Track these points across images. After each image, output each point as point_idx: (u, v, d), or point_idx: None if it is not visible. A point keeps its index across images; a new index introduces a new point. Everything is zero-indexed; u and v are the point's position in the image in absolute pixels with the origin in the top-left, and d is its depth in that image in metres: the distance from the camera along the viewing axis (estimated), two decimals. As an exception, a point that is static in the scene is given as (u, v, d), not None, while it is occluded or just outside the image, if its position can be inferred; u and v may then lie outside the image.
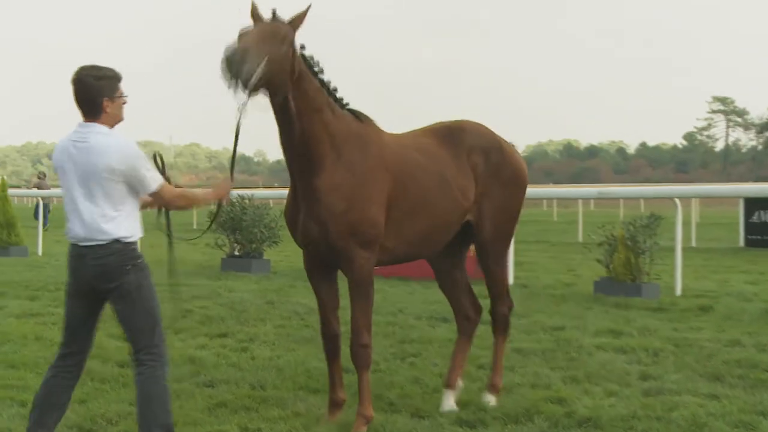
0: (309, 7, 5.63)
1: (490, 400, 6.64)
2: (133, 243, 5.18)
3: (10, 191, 21.67)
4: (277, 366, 7.86)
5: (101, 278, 5.10)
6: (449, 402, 6.54)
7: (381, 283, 13.83)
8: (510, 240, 7.08)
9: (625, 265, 12.55)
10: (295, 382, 7.26)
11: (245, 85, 5.23)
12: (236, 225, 16.24)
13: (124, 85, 5.20)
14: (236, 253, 16.41)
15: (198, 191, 5.67)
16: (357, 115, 6.11)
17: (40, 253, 20.12)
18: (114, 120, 5.16)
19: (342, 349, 6.18)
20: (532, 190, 10.43)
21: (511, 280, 13.59)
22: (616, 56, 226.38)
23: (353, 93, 6.17)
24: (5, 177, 24.21)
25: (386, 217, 5.96)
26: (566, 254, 20.47)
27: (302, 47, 5.71)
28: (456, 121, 6.89)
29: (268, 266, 16.30)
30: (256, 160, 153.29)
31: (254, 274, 15.50)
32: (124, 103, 5.21)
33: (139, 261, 5.18)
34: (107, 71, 5.15)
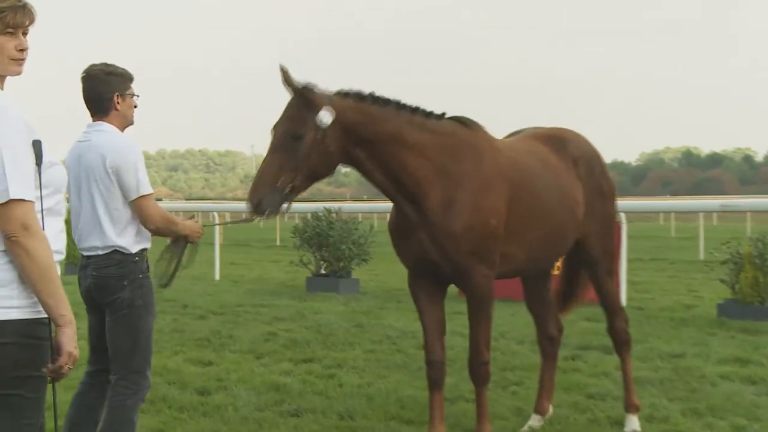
0: (284, 70, 5.50)
1: (633, 422, 6.80)
2: (134, 255, 5.21)
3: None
4: (367, 394, 7.89)
5: (98, 291, 5.19)
6: (534, 421, 6.87)
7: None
8: (613, 254, 7.25)
9: (753, 285, 12.26)
10: (386, 411, 7.27)
11: (273, 215, 5.52)
12: (322, 241, 16.23)
13: (136, 87, 5.30)
14: (322, 271, 16.45)
15: (179, 220, 5.64)
16: (463, 122, 6.11)
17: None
18: (124, 121, 5.26)
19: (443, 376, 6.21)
20: (647, 203, 10.29)
21: (624, 301, 13.40)
22: (741, 51, 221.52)
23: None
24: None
25: (506, 225, 6.01)
26: (686, 273, 20.09)
27: (344, 94, 5.70)
28: (553, 128, 6.97)
29: (356, 286, 16.35)
30: (343, 171, 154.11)
31: (342, 295, 15.54)
32: (135, 106, 5.31)
33: (139, 277, 5.21)
34: (119, 68, 5.26)
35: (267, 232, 41.13)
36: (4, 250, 3.24)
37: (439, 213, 5.83)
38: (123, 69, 5.30)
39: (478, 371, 6.10)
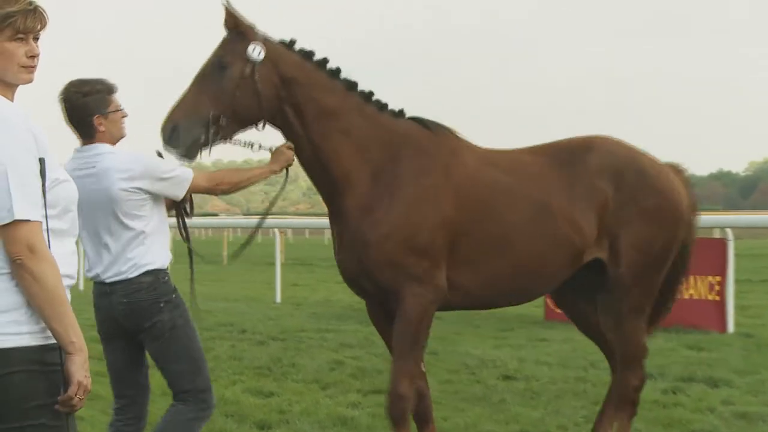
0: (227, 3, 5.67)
1: None
2: (164, 273, 5.30)
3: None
4: (443, 429, 7.86)
5: (131, 318, 5.24)
6: None
7: (570, 331, 13.61)
8: (653, 290, 6.55)
9: None
10: (464, 449, 7.24)
11: (190, 156, 5.55)
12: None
13: (119, 97, 5.35)
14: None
15: (251, 167, 5.81)
16: (424, 124, 6.03)
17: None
18: (113, 138, 5.33)
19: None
20: (757, 217, 10.11)
21: (731, 327, 13.22)
22: None
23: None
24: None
25: (455, 249, 5.83)
26: (802, 296, 19.71)
27: (289, 44, 5.80)
28: (586, 137, 6.54)
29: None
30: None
31: (414, 319, 15.50)
32: (123, 116, 5.36)
33: (173, 296, 5.30)
34: (96, 84, 5.30)
35: (332, 249, 41.23)
36: (11, 272, 3.29)
37: (355, 217, 5.77)
38: (102, 83, 5.33)
39: (393, 405, 5.83)
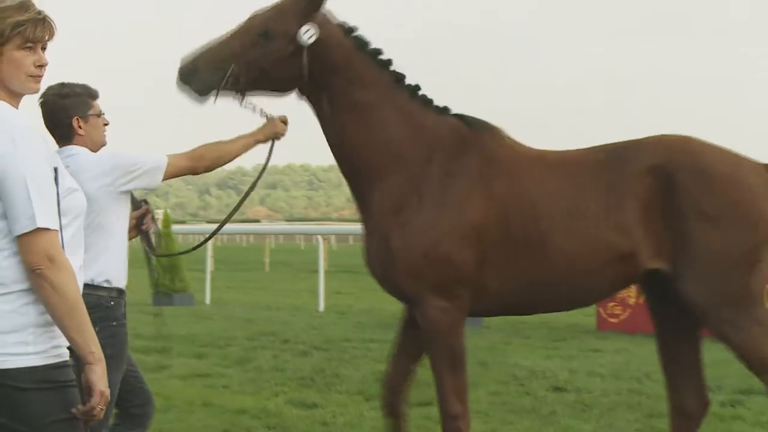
0: None
1: None
2: (109, 299, 5.20)
3: (175, 227, 22.55)
4: (492, 443, 7.86)
5: None
6: None
7: (624, 341, 13.61)
8: (749, 299, 5.80)
9: None
10: (514, 463, 7.23)
11: (199, 99, 5.54)
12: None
13: (100, 104, 5.36)
14: (440, 302, 16.41)
15: (234, 138, 5.75)
16: (467, 122, 5.92)
17: (207, 301, 20.87)
18: (93, 143, 5.33)
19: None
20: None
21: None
22: None
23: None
24: (168, 210, 25.31)
25: (487, 254, 5.69)
26: None
27: (347, 29, 5.74)
28: (656, 136, 6.08)
29: (478, 319, 16.23)
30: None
31: (462, 329, 15.48)
32: (105, 123, 5.38)
33: (113, 324, 5.17)
34: (76, 87, 5.32)
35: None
36: (19, 291, 3.32)
37: (380, 216, 5.71)
38: (82, 87, 5.36)
39: (447, 427, 5.77)
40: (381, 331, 14.90)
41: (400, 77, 5.83)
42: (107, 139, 5.44)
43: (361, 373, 11.11)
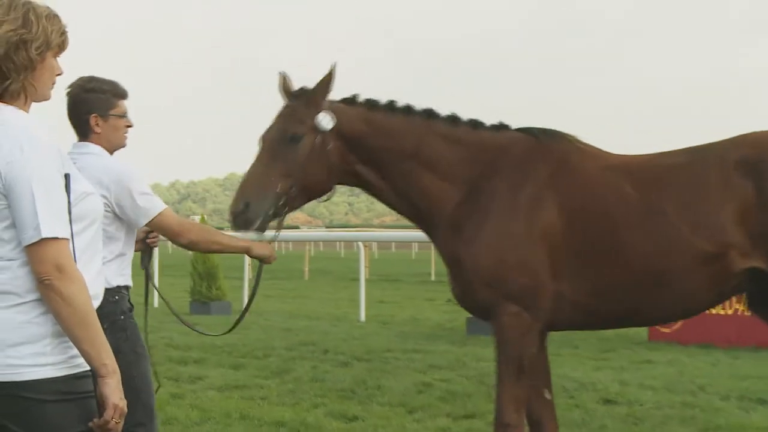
0: (333, 67, 5.75)
1: None
2: (114, 292, 5.21)
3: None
4: (540, 458, 7.80)
5: None
6: None
7: (676, 351, 13.51)
8: None
9: None
10: (562, 479, 7.16)
11: (260, 230, 5.67)
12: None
13: (127, 104, 5.32)
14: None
15: (232, 236, 5.82)
16: (531, 133, 6.01)
17: (245, 310, 20.82)
18: (110, 144, 5.30)
19: None
20: None
21: None
22: None
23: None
24: (206, 216, 25.41)
25: (560, 261, 5.76)
26: None
27: (351, 99, 5.90)
28: (748, 133, 6.05)
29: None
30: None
31: (508, 339, 15.40)
32: (128, 125, 5.34)
33: (121, 318, 5.26)
34: (104, 84, 5.28)
35: (420, 264, 41.32)
36: (34, 301, 3.30)
37: (446, 239, 5.91)
38: (110, 84, 5.33)
39: None
40: (424, 342, 14.88)
41: (429, 112, 5.99)
42: (126, 142, 5.42)
43: (404, 384, 11.08)
